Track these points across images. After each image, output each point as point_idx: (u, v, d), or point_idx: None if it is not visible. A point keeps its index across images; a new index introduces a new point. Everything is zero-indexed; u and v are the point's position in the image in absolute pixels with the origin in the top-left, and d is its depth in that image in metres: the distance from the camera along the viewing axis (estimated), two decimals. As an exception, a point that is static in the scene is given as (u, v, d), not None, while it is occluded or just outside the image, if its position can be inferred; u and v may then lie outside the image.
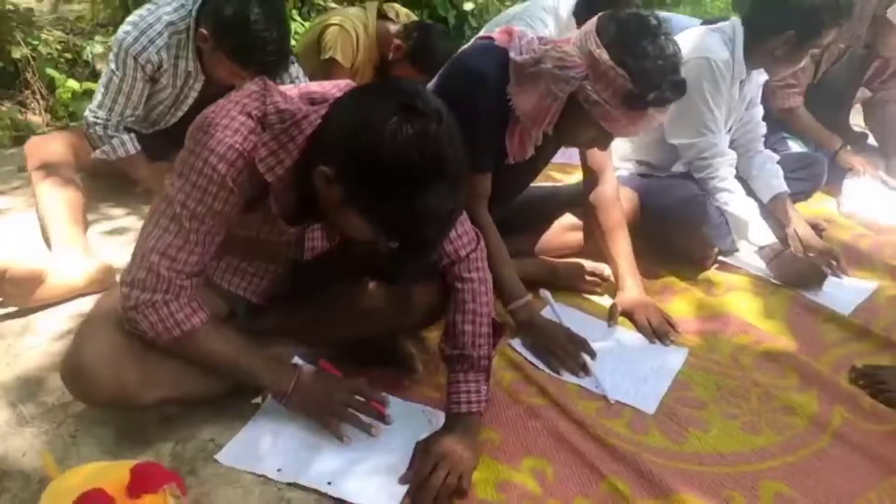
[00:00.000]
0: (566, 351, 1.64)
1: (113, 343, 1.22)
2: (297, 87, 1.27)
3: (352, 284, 1.47)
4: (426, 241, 1.15)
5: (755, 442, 1.45)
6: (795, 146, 2.76)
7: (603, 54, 1.43)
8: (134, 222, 2.21)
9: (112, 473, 0.94)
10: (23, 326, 1.63)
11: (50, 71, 3.80)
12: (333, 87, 1.24)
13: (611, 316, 1.83)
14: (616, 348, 1.72)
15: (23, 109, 3.47)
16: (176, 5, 2.04)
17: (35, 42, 3.79)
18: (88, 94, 3.33)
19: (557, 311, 1.79)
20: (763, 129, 2.31)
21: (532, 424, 1.45)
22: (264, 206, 1.26)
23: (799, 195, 2.44)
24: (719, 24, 2.13)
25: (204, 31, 1.95)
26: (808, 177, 2.51)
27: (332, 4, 4.29)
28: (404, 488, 1.23)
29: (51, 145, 2.08)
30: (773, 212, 2.24)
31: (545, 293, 1.82)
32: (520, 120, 1.60)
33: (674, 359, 1.71)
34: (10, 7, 4.17)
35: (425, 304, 1.45)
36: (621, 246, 1.88)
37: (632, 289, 1.86)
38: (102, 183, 2.31)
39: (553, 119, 1.54)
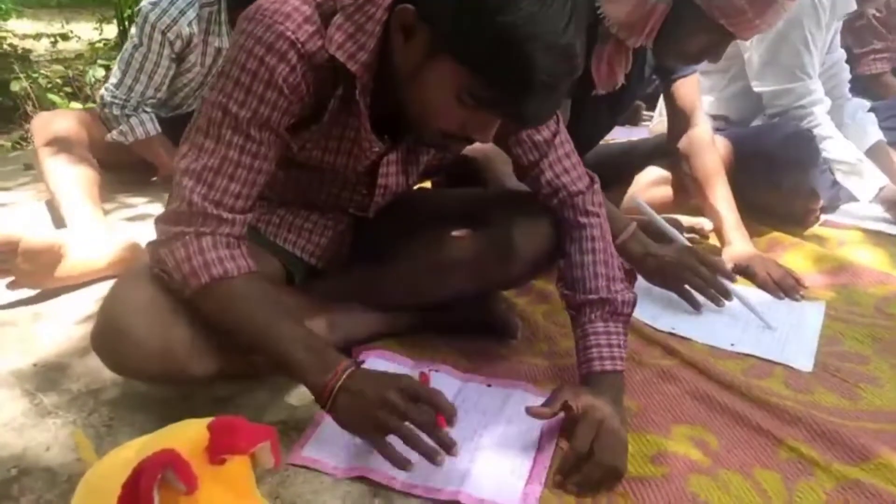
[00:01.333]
0: (702, 277, 1.36)
1: (157, 297, 0.95)
2: None
3: (431, 233, 1.19)
4: (538, 83, 0.81)
5: (943, 395, 1.18)
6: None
7: None
8: (157, 209, 1.96)
9: (181, 434, 0.66)
10: (34, 314, 1.37)
11: (52, 97, 3.64)
12: None
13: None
14: (741, 306, 1.44)
15: (22, 143, 3.25)
16: None
17: (35, 75, 3.66)
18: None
19: (662, 225, 1.50)
20: (847, 72, 2.08)
21: (670, 389, 1.17)
22: (322, 123, 1.01)
23: (894, 144, 2.19)
24: None
25: None
26: (903, 124, 2.26)
27: None
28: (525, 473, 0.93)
29: (61, 121, 1.82)
30: (874, 161, 1.98)
31: (638, 200, 1.52)
32: (609, 37, 1.36)
33: (812, 313, 1.44)
34: (8, 47, 4.05)
35: (531, 252, 1.14)
36: (722, 194, 1.62)
37: (740, 242, 1.60)
38: (116, 175, 2.07)
39: (656, 26, 1.29)
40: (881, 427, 1.09)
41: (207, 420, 0.66)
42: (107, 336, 0.95)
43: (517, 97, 0.83)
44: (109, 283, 1.43)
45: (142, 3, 1.78)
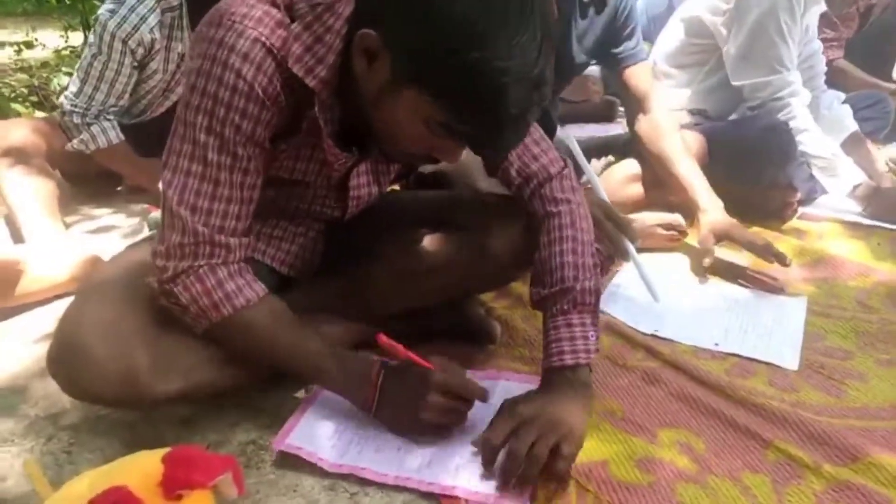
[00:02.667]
0: (604, 231, 1.34)
1: (118, 315, 0.90)
2: None
3: (406, 238, 1.15)
4: (508, 117, 0.78)
5: (929, 390, 1.16)
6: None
7: None
8: (121, 220, 1.90)
9: (135, 468, 0.62)
10: (-8, 332, 1.31)
11: (16, 106, 3.55)
12: None
13: (699, 269, 1.54)
14: (722, 304, 1.43)
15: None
16: None
17: (-2, 84, 3.57)
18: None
19: (589, 172, 1.47)
20: (823, 63, 2.07)
21: (655, 391, 1.15)
22: (298, 134, 0.97)
23: (871, 134, 2.19)
24: None
25: None
26: (877, 115, 2.29)
27: None
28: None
29: (17, 130, 1.74)
30: (849, 152, 1.98)
31: (569, 138, 1.47)
32: None
33: (794, 309, 1.43)
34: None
35: (505, 255, 1.10)
36: (690, 169, 1.60)
37: (717, 209, 1.57)
38: (79, 186, 2.01)
39: None
40: (868, 424, 1.07)
41: (163, 451, 0.61)
42: (64, 359, 0.90)
43: (488, 130, 0.80)
44: (69, 300, 1.38)
45: (100, 11, 1.71)
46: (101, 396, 0.92)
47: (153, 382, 0.91)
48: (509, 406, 0.93)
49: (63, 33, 5.42)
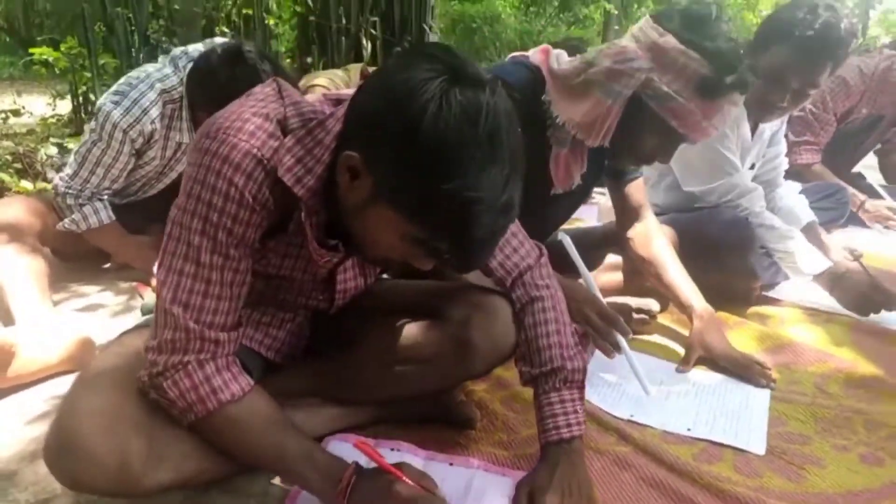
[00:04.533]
0: (594, 327, 1.43)
1: (111, 408, 0.94)
2: (312, 95, 1.07)
3: (389, 329, 1.22)
4: (478, 240, 0.87)
5: (882, 475, 1.23)
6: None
7: (670, 40, 1.29)
8: (109, 298, 1.94)
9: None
10: (-19, 414, 1.33)
11: (1, 175, 3.59)
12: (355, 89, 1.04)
13: (686, 360, 1.61)
14: (692, 389, 1.51)
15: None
16: (167, 71, 1.84)
17: (-19, 152, 3.62)
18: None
19: (584, 271, 1.54)
20: (785, 165, 2.21)
21: (626, 476, 1.20)
22: (286, 234, 1.04)
23: (828, 224, 2.33)
24: None
25: None
26: (834, 205, 2.44)
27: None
28: None
29: (11, 208, 1.80)
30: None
31: (565, 238, 1.54)
32: (563, 141, 1.44)
33: (759, 393, 1.50)
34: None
35: (489, 349, 1.17)
36: (680, 274, 1.69)
37: (710, 319, 1.64)
38: (68, 263, 2.05)
39: (612, 126, 1.37)
40: (836, 510, 1.13)
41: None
42: (61, 450, 0.92)
43: (459, 249, 0.88)
44: (61, 381, 1.42)
45: (102, 101, 1.79)
46: (96, 487, 0.95)
47: (147, 473, 0.94)
48: (527, 494, 1.05)
49: (51, 101, 5.52)
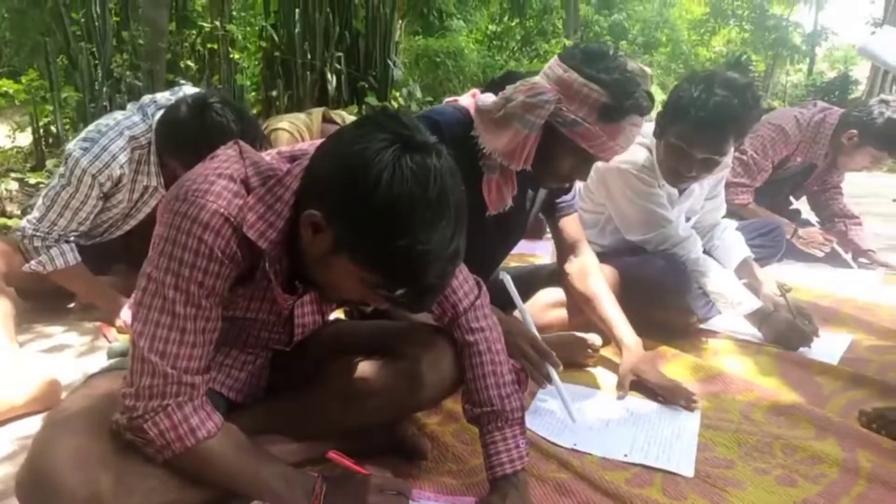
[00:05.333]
0: (529, 360, 1.58)
1: (82, 446, 1.02)
2: (269, 152, 1.17)
3: (344, 366, 1.31)
4: (428, 286, 0.99)
5: (795, 495, 1.35)
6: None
7: (573, 75, 1.46)
8: (74, 338, 1.98)
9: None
10: (-52, 456, 1.37)
11: (-43, 212, 3.58)
12: (309, 146, 1.15)
13: (621, 386, 1.74)
14: (630, 418, 1.63)
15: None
16: (136, 119, 1.93)
17: (-64, 186, 3.61)
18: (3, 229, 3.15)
19: (521, 307, 1.69)
20: (720, 213, 2.39)
21: (566, 502, 1.30)
22: (254, 280, 1.14)
23: (763, 260, 2.50)
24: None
25: None
26: (770, 242, 2.62)
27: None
28: None
29: (-24, 252, 1.85)
30: (741, 276, 2.27)
31: (505, 276, 1.67)
32: (493, 167, 1.58)
33: (689, 421, 1.63)
34: None
35: (436, 382, 1.29)
36: (614, 309, 1.83)
37: (638, 350, 1.79)
38: (32, 303, 2.09)
39: (531, 151, 1.52)
40: (750, 528, 1.25)
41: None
42: (35, 487, 0.99)
43: (412, 293, 1.00)
44: (27, 422, 1.47)
45: (71, 147, 1.86)
46: (67, 522, 1.02)
47: (115, 505, 1.02)
48: None
49: (10, 133, 5.49)
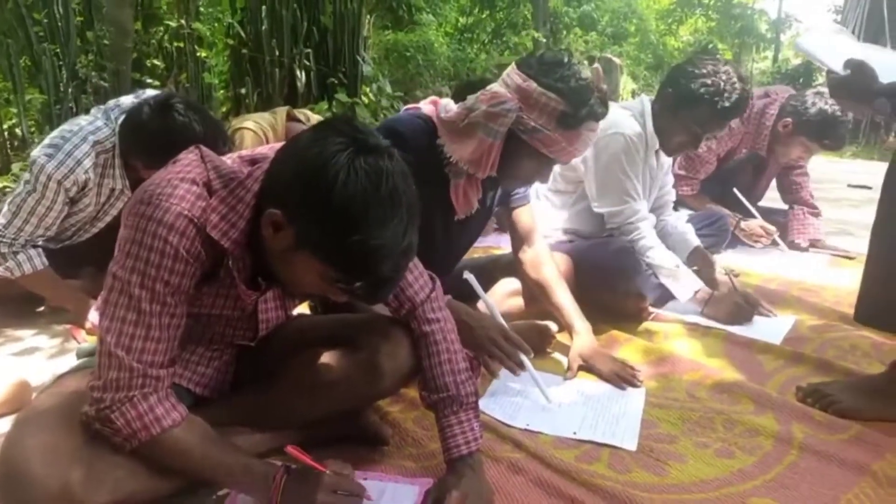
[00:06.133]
0: (501, 349, 1.66)
1: (53, 441, 1.08)
2: (229, 156, 1.23)
3: (307, 358, 1.39)
4: (383, 279, 1.07)
5: (732, 465, 1.46)
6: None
7: (531, 84, 1.55)
8: (45, 341, 2.02)
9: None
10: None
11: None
12: (269, 150, 1.22)
13: (570, 368, 1.84)
14: (580, 398, 1.72)
15: None
16: (99, 123, 1.96)
17: None
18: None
19: (488, 302, 1.78)
20: (673, 195, 2.50)
21: (517, 479, 1.39)
22: (218, 277, 1.21)
23: (711, 248, 2.62)
24: (627, 102, 2.36)
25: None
26: (715, 231, 2.75)
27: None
28: None
29: (-57, 259, 1.87)
30: (693, 264, 2.38)
31: (469, 276, 1.76)
32: (459, 173, 1.65)
33: (635, 400, 1.73)
34: None
35: (394, 371, 1.37)
36: (565, 296, 1.92)
37: (586, 335, 1.88)
38: (0, 308, 2.12)
39: (496, 159, 1.61)
40: (681, 497, 1.34)
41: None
42: (8, 480, 1.05)
43: (368, 286, 1.07)
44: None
45: (36, 153, 1.88)
46: (40, 513, 1.08)
47: (87, 496, 1.07)
48: (440, 497, 1.19)
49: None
